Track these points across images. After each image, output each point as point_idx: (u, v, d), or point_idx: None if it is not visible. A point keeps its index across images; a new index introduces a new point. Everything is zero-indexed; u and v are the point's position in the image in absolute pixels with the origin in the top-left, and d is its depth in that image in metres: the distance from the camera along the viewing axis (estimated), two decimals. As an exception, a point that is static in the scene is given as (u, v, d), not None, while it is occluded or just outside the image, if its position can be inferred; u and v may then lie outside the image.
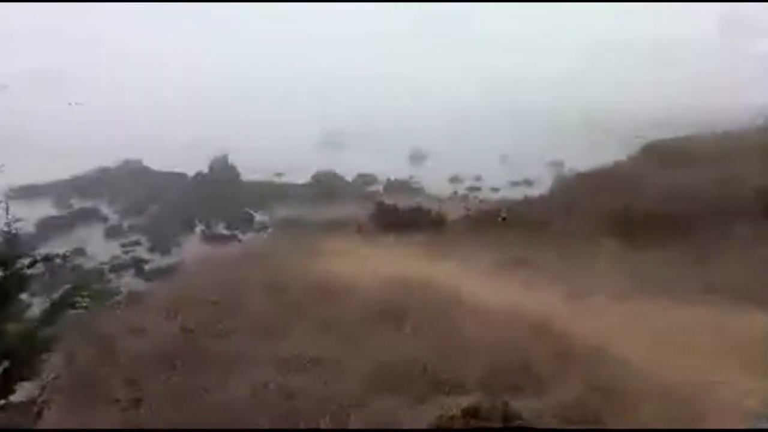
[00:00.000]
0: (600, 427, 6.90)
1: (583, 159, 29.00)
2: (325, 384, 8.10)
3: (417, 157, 71.59)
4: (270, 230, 46.10)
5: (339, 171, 59.13)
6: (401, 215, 19.68)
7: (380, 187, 56.22)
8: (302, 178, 57.80)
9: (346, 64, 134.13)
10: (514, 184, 53.74)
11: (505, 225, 16.81)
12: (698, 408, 7.17)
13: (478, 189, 55.30)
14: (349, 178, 59.59)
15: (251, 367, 8.66)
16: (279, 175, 61.28)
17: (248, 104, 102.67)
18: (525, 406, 6.95)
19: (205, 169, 57.42)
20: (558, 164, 55.80)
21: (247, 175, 57.67)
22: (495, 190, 52.82)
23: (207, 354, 9.16)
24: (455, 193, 50.98)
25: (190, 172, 58.15)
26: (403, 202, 22.46)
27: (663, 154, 18.44)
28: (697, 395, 7.45)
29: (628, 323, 9.64)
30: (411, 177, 60.09)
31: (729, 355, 8.36)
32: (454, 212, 19.98)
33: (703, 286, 10.57)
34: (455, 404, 7.09)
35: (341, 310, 10.33)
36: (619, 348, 8.55)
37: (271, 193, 53.61)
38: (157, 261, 41.04)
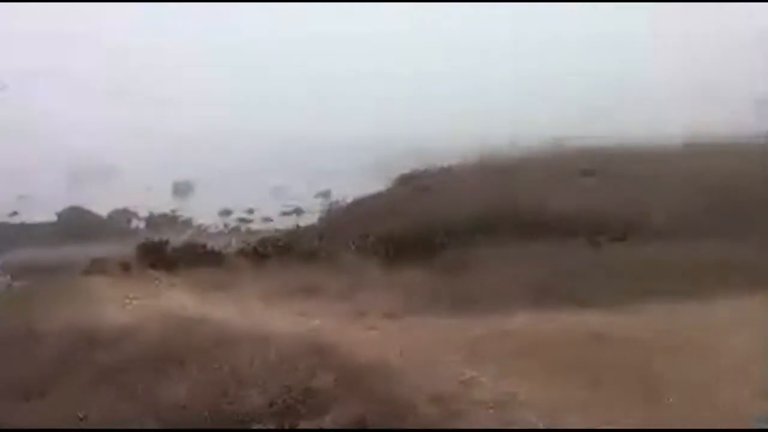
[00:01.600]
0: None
1: (349, 189, 30.71)
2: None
3: (181, 190, 68.85)
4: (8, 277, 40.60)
5: (90, 207, 54.04)
6: (171, 251, 18.97)
7: (142, 223, 52.99)
8: (44, 216, 51.72)
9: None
10: (286, 214, 54.64)
11: (279, 254, 17.21)
12: (456, 406, 8.15)
13: (250, 221, 55.04)
14: (103, 213, 54.88)
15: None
16: (13, 215, 54.27)
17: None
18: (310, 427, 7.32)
19: None
20: (325, 194, 58.03)
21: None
22: (267, 220, 53.04)
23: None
24: (226, 225, 50.19)
25: None
26: (172, 237, 21.69)
27: (417, 184, 20.59)
28: (458, 394, 8.48)
29: (400, 337, 10.58)
30: (175, 210, 57.62)
31: (481, 358, 9.62)
32: (227, 245, 19.88)
33: (459, 298, 12.09)
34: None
35: (114, 358, 9.72)
36: (394, 361, 9.36)
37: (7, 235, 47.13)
38: None
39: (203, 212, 55.54)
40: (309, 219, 26.44)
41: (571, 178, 30.64)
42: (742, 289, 12.67)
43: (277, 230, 27.94)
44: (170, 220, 53.00)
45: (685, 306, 11.70)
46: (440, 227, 15.73)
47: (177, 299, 13.61)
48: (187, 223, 49.96)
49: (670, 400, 7.99)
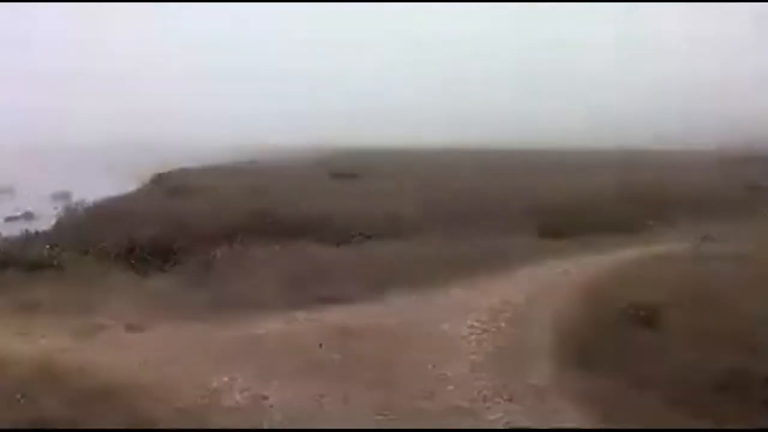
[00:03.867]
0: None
1: (90, 191, 28.05)
2: None
3: None
4: None
5: None
6: None
7: None
8: None
9: None
10: (12, 219, 47.85)
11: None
12: (205, 416, 7.86)
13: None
14: None
15: None
16: None
17: None
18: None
19: None
20: (64, 196, 52.21)
21: None
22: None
23: None
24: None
25: None
26: None
27: (169, 186, 19.52)
28: (206, 404, 8.15)
29: (144, 350, 9.85)
30: None
31: (231, 364, 9.38)
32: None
33: (207, 304, 11.67)
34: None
35: None
36: (136, 377, 8.67)
37: None
38: None
39: None
40: (41, 224, 23.43)
41: (326, 180, 31.79)
42: (473, 278, 14.32)
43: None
44: None
45: (423, 297, 12.79)
46: (188, 231, 15.07)
47: None
48: None
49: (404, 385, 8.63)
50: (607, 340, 9.70)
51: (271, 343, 10.05)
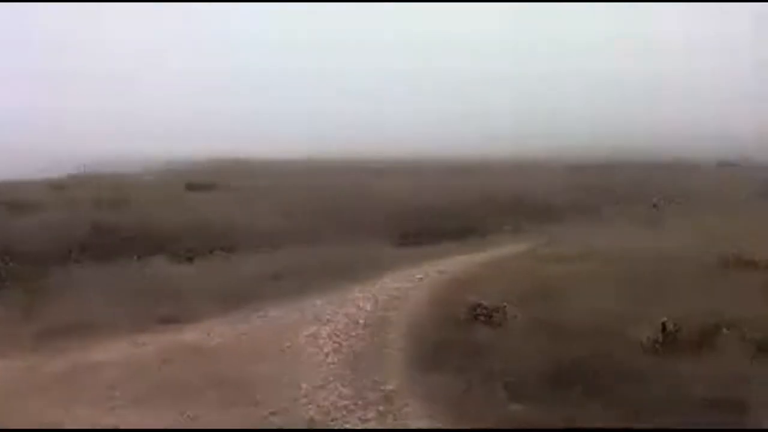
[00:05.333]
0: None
1: None
2: None
3: None
4: None
5: None
6: None
7: None
8: None
9: None
10: None
11: None
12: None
13: None
14: None
15: None
16: None
17: None
18: None
19: None
20: None
21: None
22: None
23: None
24: None
25: None
26: None
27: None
28: None
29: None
30: None
31: (72, 395, 8.63)
32: None
33: (41, 333, 10.68)
34: None
35: None
36: None
37: None
38: None
39: None
40: None
41: (181, 191, 30.43)
42: (331, 287, 14.31)
43: None
44: None
45: (279, 310, 12.57)
46: (18, 252, 13.68)
47: None
48: None
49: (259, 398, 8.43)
50: (456, 341, 10.09)
51: (112, 369, 9.37)
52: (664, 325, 9.23)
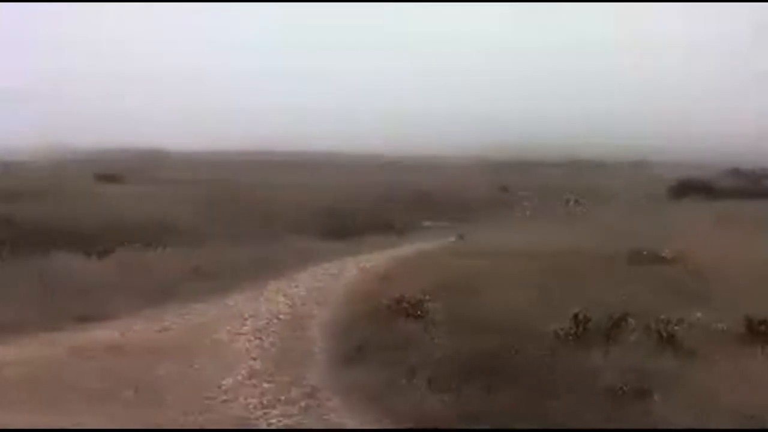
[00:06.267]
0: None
1: None
2: None
3: None
4: None
5: None
6: None
7: None
8: None
9: None
10: None
11: None
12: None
13: None
14: None
15: None
16: None
17: None
18: None
19: None
20: None
21: None
22: None
23: None
24: None
25: None
26: None
27: None
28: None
29: None
30: None
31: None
32: None
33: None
34: None
35: None
36: None
37: None
38: None
39: None
40: None
41: (90, 183, 29.14)
42: (253, 283, 14.13)
43: None
44: None
45: (199, 307, 12.30)
46: None
47: None
48: None
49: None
50: (378, 335, 10.18)
51: (18, 368, 8.86)
52: (575, 316, 9.68)
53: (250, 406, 8.11)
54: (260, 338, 10.62)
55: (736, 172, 47.51)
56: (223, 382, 8.79)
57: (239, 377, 8.98)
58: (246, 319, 11.52)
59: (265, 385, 8.74)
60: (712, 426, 6.91)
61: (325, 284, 14.30)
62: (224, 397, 8.35)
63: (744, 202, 29.88)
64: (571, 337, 9.48)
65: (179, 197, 27.63)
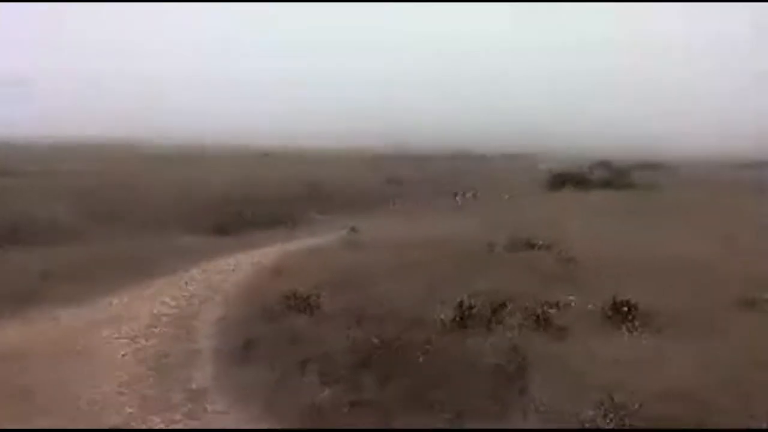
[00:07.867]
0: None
1: None
2: None
3: None
4: None
5: None
6: None
7: None
8: None
9: None
10: None
11: None
12: None
13: None
14: None
15: None
16: None
17: None
18: None
19: None
20: None
21: None
22: None
23: None
24: None
25: None
26: None
27: None
28: None
29: None
30: None
31: None
32: None
33: None
34: None
35: None
36: None
37: None
38: None
39: None
40: None
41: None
42: (137, 282, 13.43)
43: None
44: None
45: (69, 309, 11.53)
46: None
47: None
48: None
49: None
50: (268, 332, 10.02)
51: None
52: (460, 304, 10.04)
53: (128, 415, 7.67)
54: (140, 342, 10.08)
55: (605, 165, 50.26)
56: (100, 390, 8.27)
57: (117, 384, 8.46)
58: (123, 323, 10.92)
59: (145, 392, 8.31)
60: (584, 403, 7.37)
61: (214, 281, 13.88)
62: (99, 407, 7.84)
63: (616, 192, 31.98)
64: (456, 323, 9.83)
65: (50, 190, 25.80)
